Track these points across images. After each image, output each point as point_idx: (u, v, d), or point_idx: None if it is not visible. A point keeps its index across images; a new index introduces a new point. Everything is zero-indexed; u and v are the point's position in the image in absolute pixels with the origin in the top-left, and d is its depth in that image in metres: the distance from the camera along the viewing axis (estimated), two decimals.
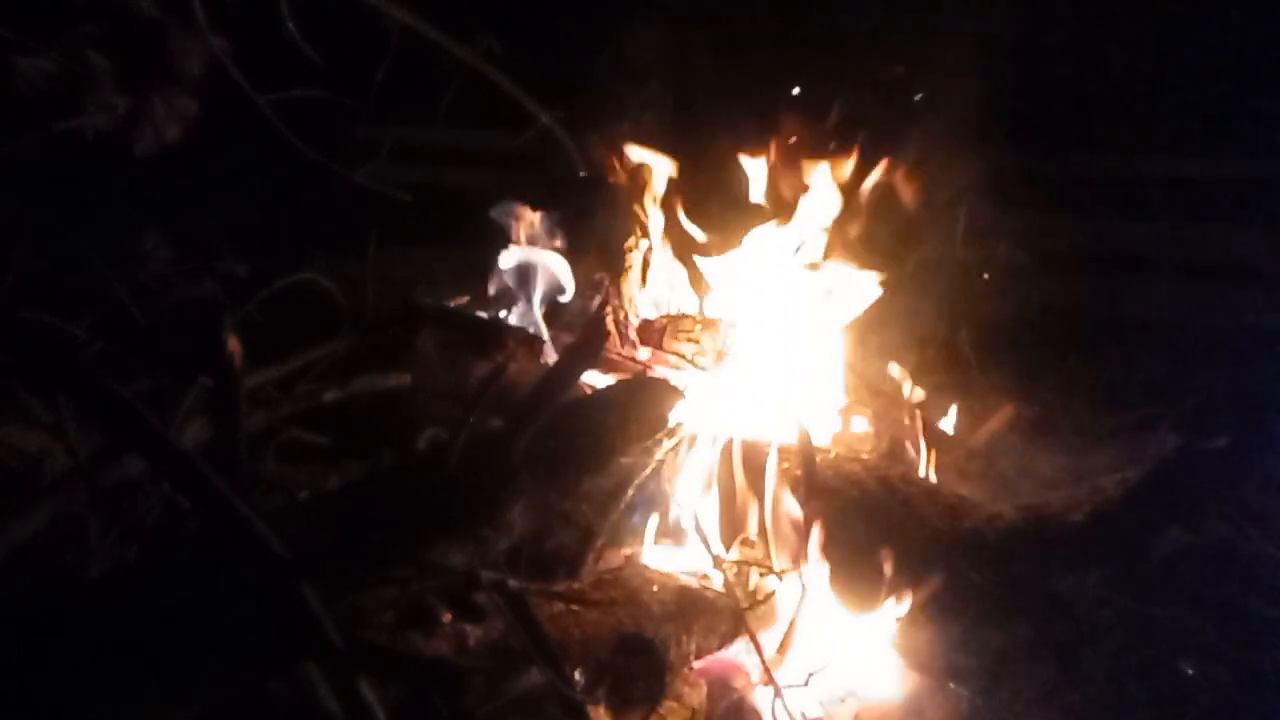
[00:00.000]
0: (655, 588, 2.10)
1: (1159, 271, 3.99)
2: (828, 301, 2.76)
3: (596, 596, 2.00)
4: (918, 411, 2.66)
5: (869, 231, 2.76)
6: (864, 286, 2.74)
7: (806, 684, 2.04)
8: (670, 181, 2.99)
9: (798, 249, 2.79)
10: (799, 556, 2.19)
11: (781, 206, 2.85)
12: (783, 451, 2.38)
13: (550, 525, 2.10)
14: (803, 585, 2.16)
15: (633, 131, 3.10)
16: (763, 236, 2.83)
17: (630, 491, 2.28)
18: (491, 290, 3.11)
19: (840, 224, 2.78)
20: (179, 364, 2.15)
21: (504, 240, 3.09)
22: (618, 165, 3.03)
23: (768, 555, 2.34)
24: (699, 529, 2.27)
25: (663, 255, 3.03)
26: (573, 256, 3.14)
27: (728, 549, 2.38)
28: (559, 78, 3.33)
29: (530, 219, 3.13)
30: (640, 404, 2.26)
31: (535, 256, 3.06)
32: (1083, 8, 3.99)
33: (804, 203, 2.79)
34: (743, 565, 2.32)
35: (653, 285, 3.03)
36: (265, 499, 2.08)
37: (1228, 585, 2.44)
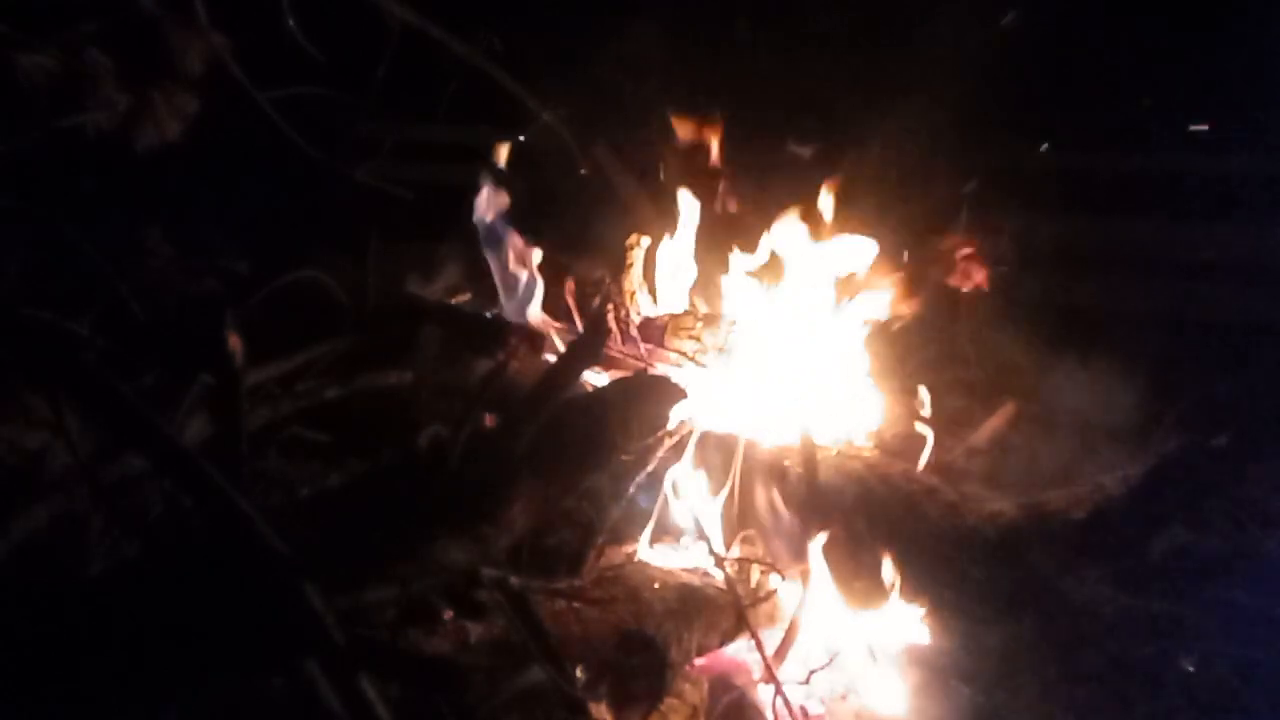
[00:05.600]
0: (656, 585, 2.10)
1: (1160, 271, 3.98)
2: (836, 304, 2.76)
3: (598, 594, 2.00)
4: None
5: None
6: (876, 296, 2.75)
7: (808, 681, 2.04)
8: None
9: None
10: (800, 554, 2.19)
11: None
12: (784, 449, 2.38)
13: (551, 523, 2.11)
14: (804, 583, 2.16)
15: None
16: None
17: (631, 489, 2.28)
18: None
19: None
20: (180, 361, 2.15)
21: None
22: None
23: (769, 553, 2.34)
24: (700, 526, 2.27)
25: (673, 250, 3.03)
26: (573, 255, 3.14)
27: (729, 546, 2.38)
28: (560, 75, 3.33)
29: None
30: (641, 401, 2.25)
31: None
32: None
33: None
34: (744, 563, 2.32)
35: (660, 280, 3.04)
36: (266, 496, 2.08)
37: (1229, 584, 2.44)
